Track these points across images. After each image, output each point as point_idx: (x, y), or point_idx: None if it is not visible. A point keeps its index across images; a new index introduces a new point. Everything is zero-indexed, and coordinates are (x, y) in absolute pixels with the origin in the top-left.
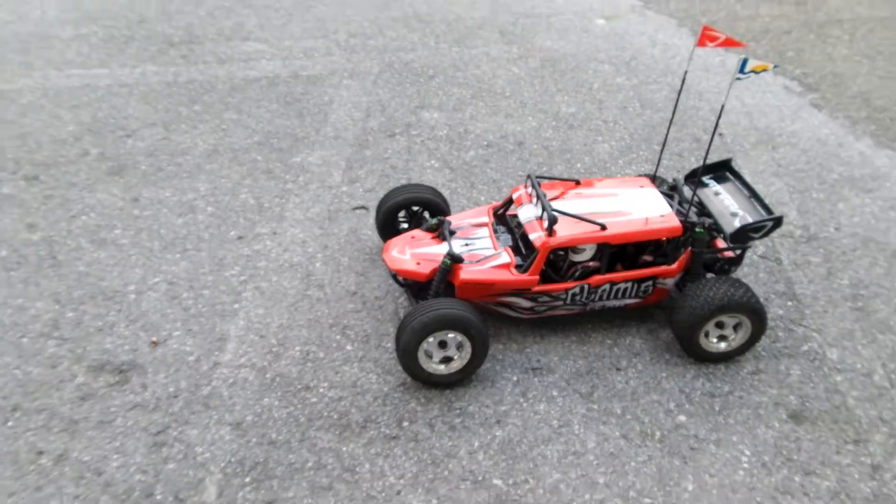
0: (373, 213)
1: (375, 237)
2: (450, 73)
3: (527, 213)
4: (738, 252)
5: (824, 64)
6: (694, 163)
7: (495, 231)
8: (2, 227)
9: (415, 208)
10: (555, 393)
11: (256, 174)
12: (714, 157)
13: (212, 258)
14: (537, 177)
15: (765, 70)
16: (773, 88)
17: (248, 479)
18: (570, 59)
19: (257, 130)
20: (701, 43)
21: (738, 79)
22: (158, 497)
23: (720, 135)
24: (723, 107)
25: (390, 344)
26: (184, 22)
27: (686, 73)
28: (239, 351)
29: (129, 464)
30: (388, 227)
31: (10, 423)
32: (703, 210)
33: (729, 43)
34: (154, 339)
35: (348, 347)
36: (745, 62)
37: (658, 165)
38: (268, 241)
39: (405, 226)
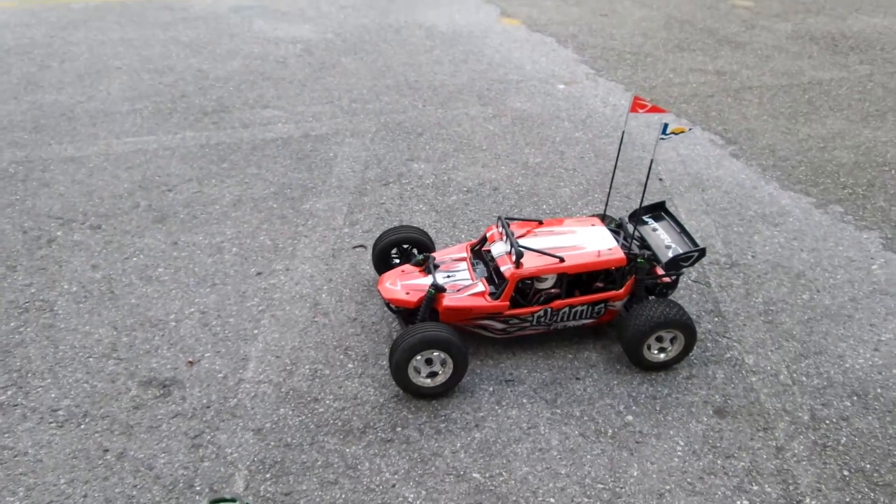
0: (370, 251)
1: (372, 271)
2: (435, 130)
3: (498, 249)
4: (673, 278)
5: (740, 122)
6: (639, 203)
7: (473, 264)
8: (72, 267)
9: (405, 246)
10: (524, 400)
11: (273, 219)
12: (657, 199)
13: (236, 291)
14: (506, 218)
15: (683, 132)
16: (701, 141)
17: (268, 475)
18: (537, 117)
19: (274, 182)
20: (633, 110)
21: (662, 139)
22: (197, 488)
23: (660, 180)
24: (651, 161)
25: (385, 362)
26: (216, 95)
27: (623, 132)
28: (259, 369)
29: (174, 461)
30: (382, 263)
31: (82, 426)
32: (643, 243)
33: (655, 110)
34: (190, 359)
35: (350, 365)
36: (665, 126)
37: (606, 207)
38: (282, 276)
39: (397, 261)
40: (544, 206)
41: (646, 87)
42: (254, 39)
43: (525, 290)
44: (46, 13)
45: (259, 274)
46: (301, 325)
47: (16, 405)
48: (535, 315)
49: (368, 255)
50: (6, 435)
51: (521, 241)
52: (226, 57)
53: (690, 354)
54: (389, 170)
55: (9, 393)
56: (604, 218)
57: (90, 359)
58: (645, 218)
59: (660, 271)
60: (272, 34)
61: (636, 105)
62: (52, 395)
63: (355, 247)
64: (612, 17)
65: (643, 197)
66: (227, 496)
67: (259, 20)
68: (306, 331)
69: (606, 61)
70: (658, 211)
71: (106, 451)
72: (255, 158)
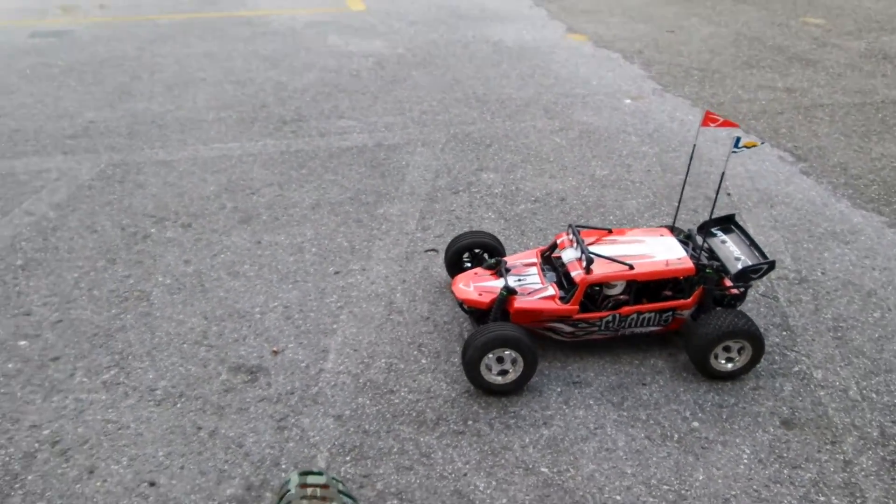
0: (442, 254)
1: (444, 273)
2: (503, 142)
3: (568, 255)
4: (742, 289)
5: (810, 139)
6: (706, 217)
7: (543, 269)
8: (167, 261)
9: (476, 250)
10: (591, 402)
11: (349, 223)
12: (723, 213)
13: (316, 288)
14: (577, 226)
15: (754, 146)
16: (770, 158)
17: (348, 458)
18: (603, 131)
19: (349, 188)
20: (704, 124)
21: (734, 152)
22: (283, 466)
23: (728, 195)
24: (723, 174)
25: (457, 359)
26: (294, 106)
27: (694, 146)
28: (338, 361)
29: (261, 441)
30: (454, 266)
31: (178, 405)
32: (712, 255)
33: (727, 124)
34: (274, 349)
35: (423, 361)
36: (738, 140)
37: (675, 218)
38: (358, 275)
39: (468, 265)
40: (611, 218)
41: (713, 103)
42: (329, 53)
43: (594, 295)
44: (136, 28)
45: (337, 273)
46: (377, 322)
47: (118, 383)
48: (604, 320)
49: (440, 259)
50: (111, 410)
51: (591, 249)
52: (302, 70)
53: (758, 366)
54: (459, 179)
55: (112, 372)
56: (672, 229)
57: (184, 345)
58: (714, 230)
59: (728, 283)
60: (346, 49)
61: (707, 119)
62: (151, 377)
63: (427, 250)
64: (679, 33)
65: (713, 210)
66: (315, 469)
67: (333, 35)
68: (382, 327)
69: (673, 77)
70: (727, 224)
71: (199, 428)
72: (331, 165)
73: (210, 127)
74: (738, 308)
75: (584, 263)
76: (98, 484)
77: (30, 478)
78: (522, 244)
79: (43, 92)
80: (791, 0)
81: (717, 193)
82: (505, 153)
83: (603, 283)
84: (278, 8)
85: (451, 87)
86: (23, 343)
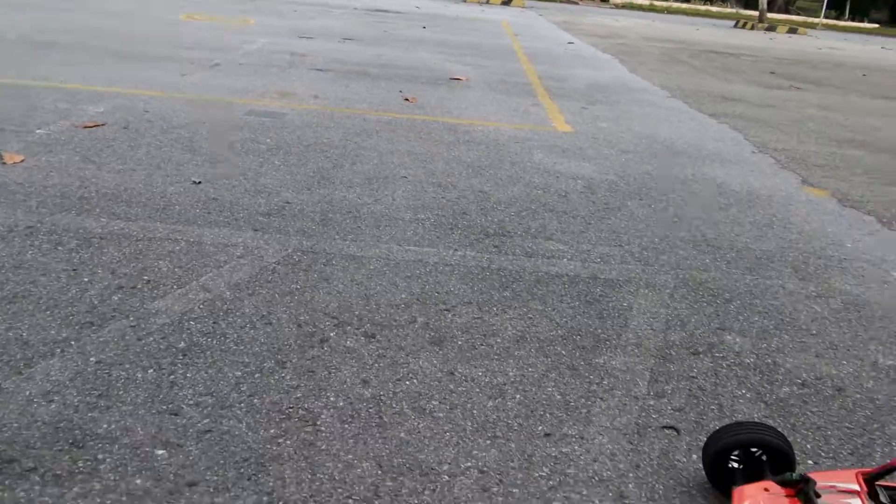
0: (686, 440)
1: (692, 467)
2: (746, 299)
3: None
4: None
5: None
6: None
7: None
8: (342, 377)
9: (754, 449)
10: None
11: (561, 369)
12: None
13: (520, 452)
14: None
15: None
16: None
17: None
18: (875, 307)
19: (561, 324)
20: None
21: None
22: None
23: None
24: None
25: None
26: (497, 218)
27: None
28: None
29: None
30: (717, 466)
31: None
32: None
33: None
34: None
35: None
36: None
37: None
38: (575, 444)
39: (735, 465)
40: None
41: None
42: (534, 169)
43: None
44: (345, 120)
45: (548, 435)
46: None
47: None
48: None
49: (684, 443)
50: None
51: None
52: (507, 182)
53: None
54: (696, 336)
55: None
56: None
57: (349, 499)
58: None
59: None
60: (552, 167)
61: None
62: None
63: (665, 427)
64: None
65: None
66: None
67: (539, 153)
68: None
69: None
70: None
71: None
72: (538, 293)
73: (406, 227)
74: None
75: None
76: None
77: None
78: (800, 447)
79: (247, 166)
80: None
81: None
82: (751, 314)
83: None
84: (482, 119)
85: (674, 225)
86: (160, 453)
